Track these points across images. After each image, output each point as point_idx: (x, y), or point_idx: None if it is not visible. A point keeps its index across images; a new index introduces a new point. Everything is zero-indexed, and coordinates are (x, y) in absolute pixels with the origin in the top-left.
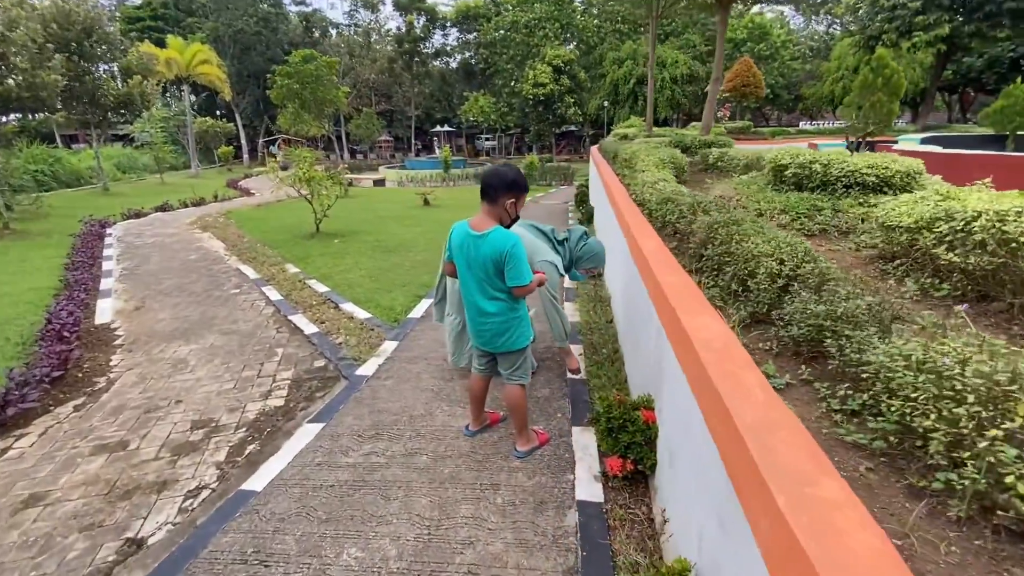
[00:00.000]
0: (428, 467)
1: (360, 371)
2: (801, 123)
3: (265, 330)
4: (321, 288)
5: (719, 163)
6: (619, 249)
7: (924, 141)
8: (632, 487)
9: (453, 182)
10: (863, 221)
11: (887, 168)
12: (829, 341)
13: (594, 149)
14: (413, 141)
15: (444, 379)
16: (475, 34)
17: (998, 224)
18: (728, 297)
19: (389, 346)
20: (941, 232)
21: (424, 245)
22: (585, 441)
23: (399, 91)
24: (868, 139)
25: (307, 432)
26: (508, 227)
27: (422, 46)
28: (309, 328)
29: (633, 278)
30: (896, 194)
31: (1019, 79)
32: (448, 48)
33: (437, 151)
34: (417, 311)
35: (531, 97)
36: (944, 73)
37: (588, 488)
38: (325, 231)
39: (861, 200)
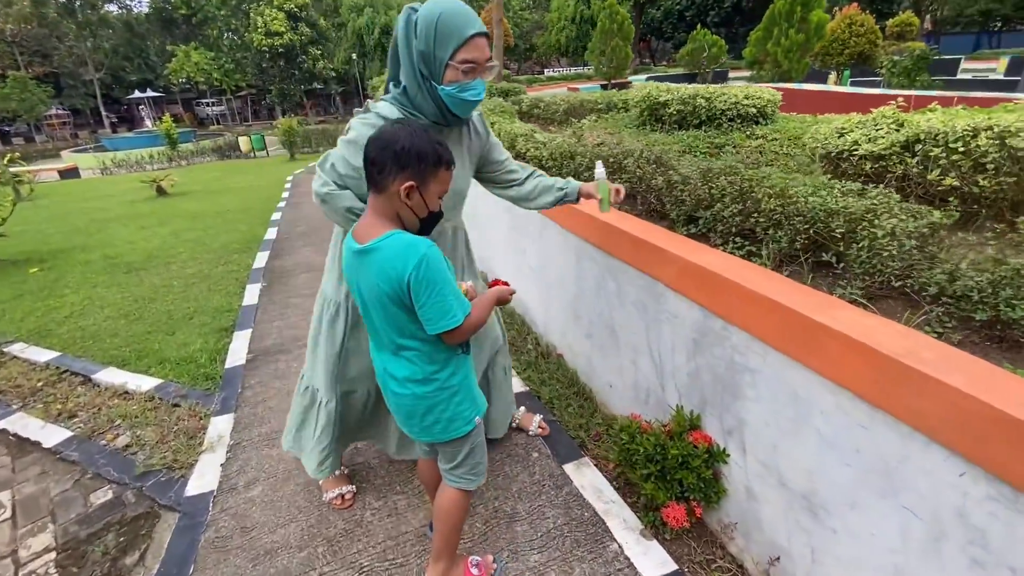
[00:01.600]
0: None
1: (192, 488)
2: (546, 71)
3: None
4: (43, 355)
5: (536, 110)
6: (533, 245)
7: (649, 79)
8: (695, 533)
9: (187, 160)
10: (790, 154)
11: (760, 98)
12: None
13: None
14: (104, 114)
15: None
16: None
17: (1006, 139)
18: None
19: (221, 426)
20: (934, 155)
21: (188, 252)
22: (590, 481)
23: (62, 47)
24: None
25: None
26: (423, 229)
27: None
28: (51, 434)
29: (617, 275)
30: (767, 123)
31: (698, 26)
32: None
33: (148, 123)
34: (236, 352)
35: (266, 49)
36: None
37: (649, 557)
38: (7, 257)
39: (748, 132)
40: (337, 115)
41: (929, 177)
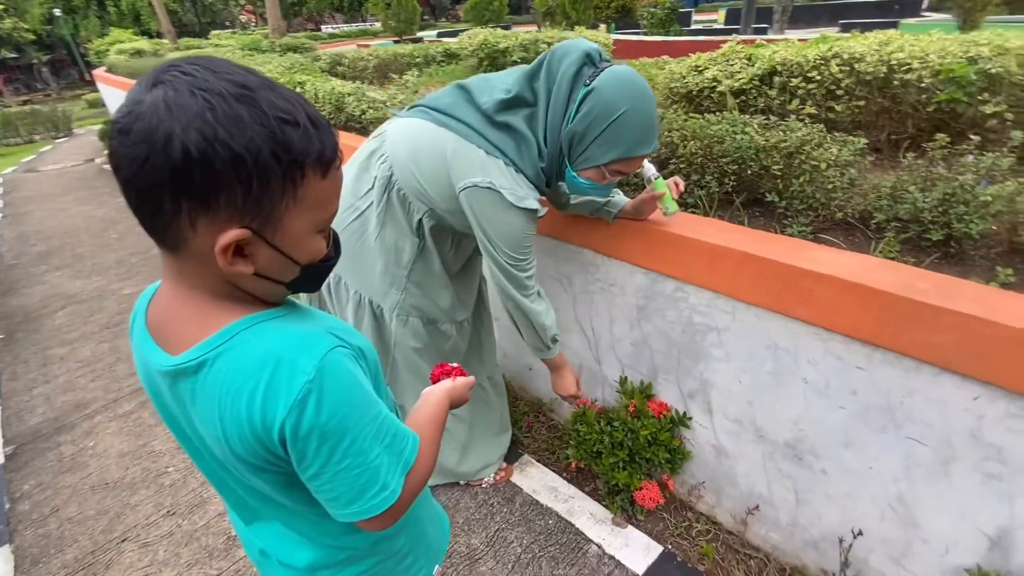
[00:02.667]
0: None
1: None
2: (324, 28)
3: None
4: None
5: (340, 67)
6: None
7: (440, 35)
8: (664, 503)
9: None
10: None
11: (597, 43)
12: None
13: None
14: None
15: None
16: None
17: (854, 65)
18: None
19: None
20: (793, 85)
21: None
22: (540, 481)
23: None
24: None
25: None
26: (302, 284)
27: None
28: None
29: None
30: None
31: None
32: None
33: None
34: None
35: None
36: None
37: (632, 547)
38: None
39: None
40: (49, 91)
41: (790, 107)
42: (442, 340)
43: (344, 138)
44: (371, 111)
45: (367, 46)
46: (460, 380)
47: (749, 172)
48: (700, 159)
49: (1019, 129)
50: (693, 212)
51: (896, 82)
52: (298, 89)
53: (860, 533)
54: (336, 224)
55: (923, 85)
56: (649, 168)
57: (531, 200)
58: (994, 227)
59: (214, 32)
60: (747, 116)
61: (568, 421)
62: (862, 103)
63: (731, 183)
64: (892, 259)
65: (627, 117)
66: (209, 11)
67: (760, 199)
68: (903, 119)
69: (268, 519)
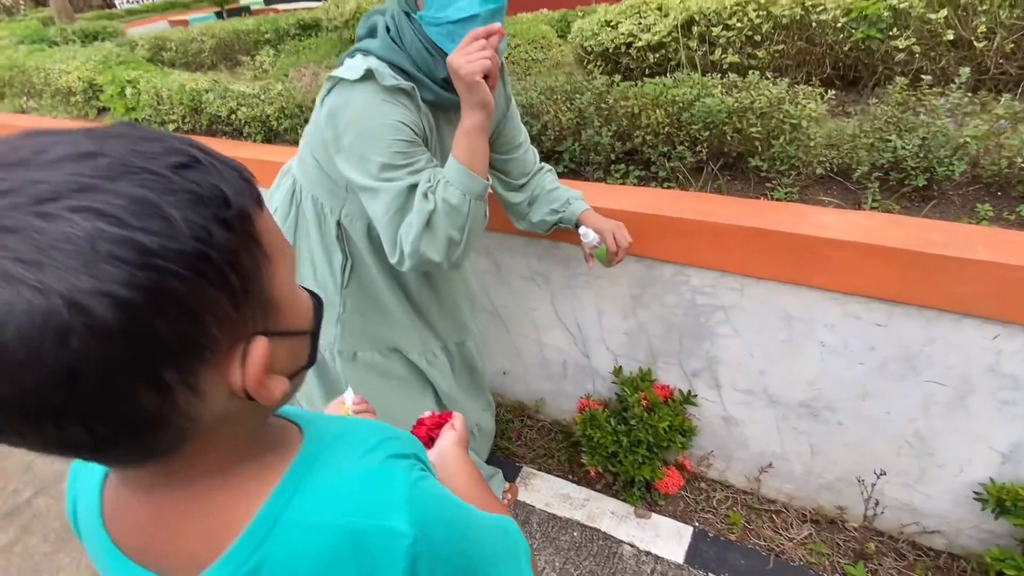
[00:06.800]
0: None
1: None
2: (120, 4)
3: None
4: None
5: (165, 53)
6: None
7: (268, 2)
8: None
9: None
10: (545, 59)
11: None
12: None
13: None
14: None
15: None
16: None
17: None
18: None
19: None
20: (715, 34)
21: None
22: (550, 490)
23: None
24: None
25: None
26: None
27: None
28: None
29: (494, 251)
30: None
31: None
32: None
33: None
34: None
35: None
36: None
37: (663, 537)
38: None
39: None
40: None
41: (712, 58)
42: (411, 376)
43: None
44: (244, 109)
45: (183, 22)
46: (458, 423)
47: (726, 137)
48: (667, 128)
49: (926, 60)
50: (668, 186)
51: (813, 23)
52: (129, 90)
53: (883, 473)
54: None
55: (839, 25)
56: (590, 236)
57: (365, 63)
58: (970, 167)
59: None
60: (708, 76)
61: (577, 427)
62: (781, 47)
63: (704, 150)
64: (889, 211)
65: None
66: None
67: (731, 164)
68: (821, 60)
69: None
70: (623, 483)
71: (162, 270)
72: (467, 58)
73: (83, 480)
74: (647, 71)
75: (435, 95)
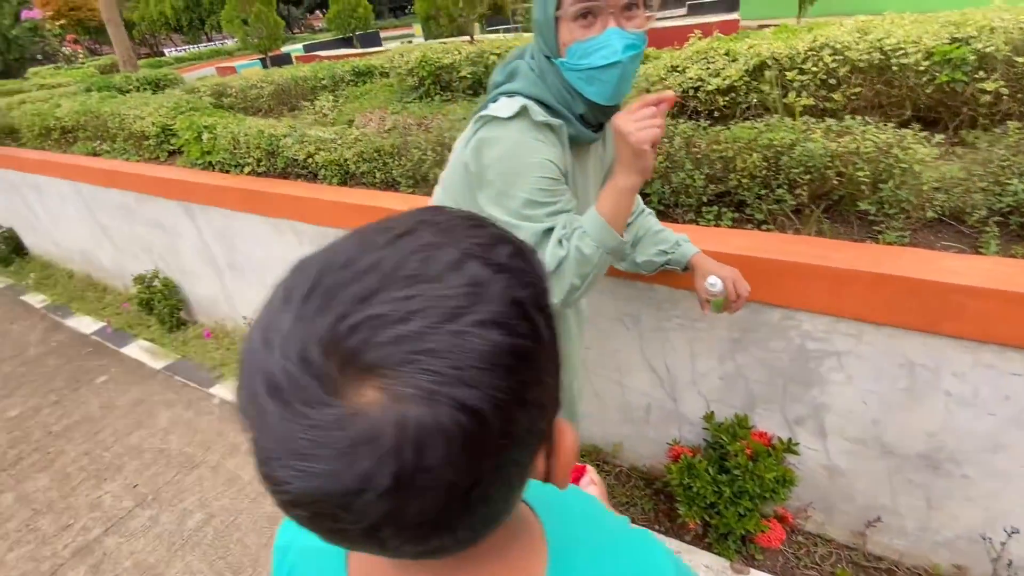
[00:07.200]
0: None
1: None
2: (168, 52)
3: None
4: None
5: (226, 99)
6: None
7: (308, 48)
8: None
9: None
10: None
11: None
12: None
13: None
14: None
15: None
16: None
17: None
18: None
19: None
20: (789, 78)
21: None
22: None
23: None
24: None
25: None
26: None
27: None
28: None
29: None
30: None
31: None
32: None
33: None
34: None
35: None
36: None
37: None
38: None
39: None
40: None
41: (786, 100)
42: None
43: (314, 191)
44: (322, 153)
45: (231, 69)
46: (595, 476)
47: (829, 181)
48: (764, 172)
49: (1013, 102)
50: (767, 228)
51: (895, 67)
52: (205, 135)
53: (1015, 531)
54: None
55: (921, 68)
56: (718, 286)
57: (518, 102)
58: None
59: (32, 69)
60: (805, 119)
61: (673, 476)
62: (858, 90)
63: (804, 193)
64: (1012, 256)
65: None
66: (15, 45)
67: (831, 206)
68: (900, 102)
69: None
70: (717, 535)
71: (535, 371)
72: (637, 125)
73: (312, 557)
74: (715, 114)
75: (577, 131)
